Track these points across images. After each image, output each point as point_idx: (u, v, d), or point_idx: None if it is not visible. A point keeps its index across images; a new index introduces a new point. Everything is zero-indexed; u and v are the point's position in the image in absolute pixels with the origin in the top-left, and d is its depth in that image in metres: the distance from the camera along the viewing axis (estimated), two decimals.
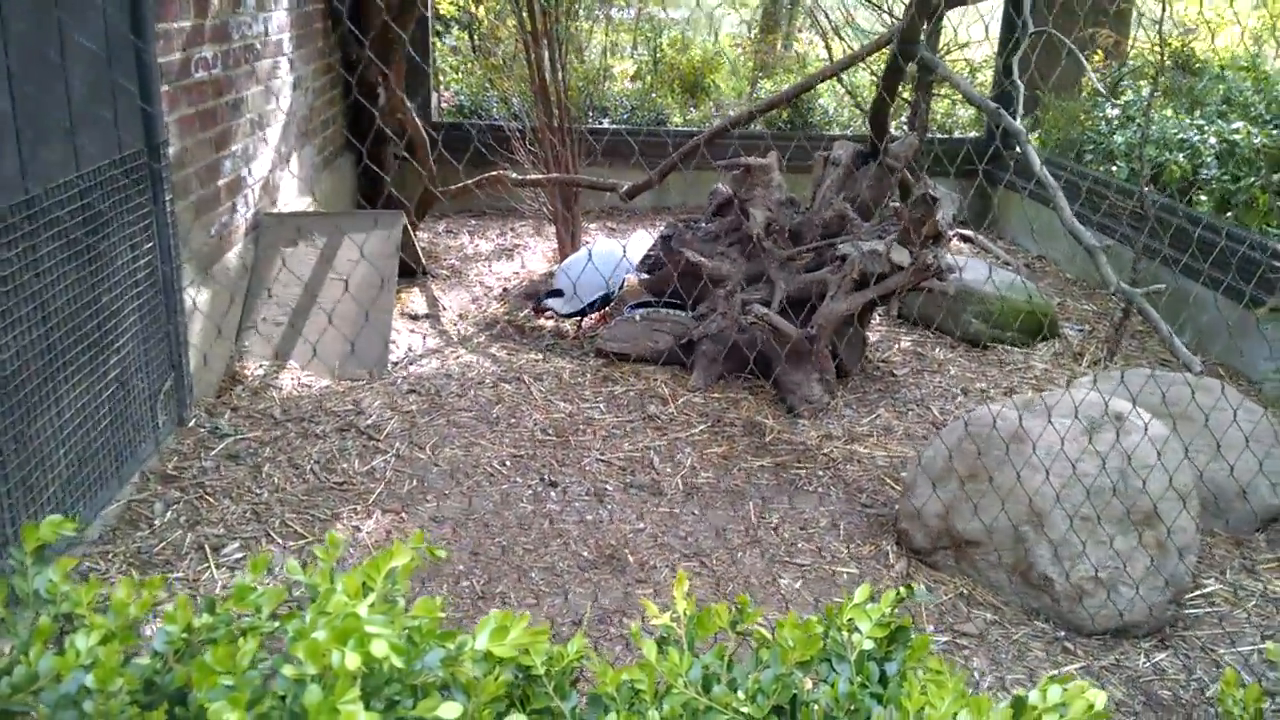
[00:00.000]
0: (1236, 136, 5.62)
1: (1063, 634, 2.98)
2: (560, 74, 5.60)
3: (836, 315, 4.24)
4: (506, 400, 4.21)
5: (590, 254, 5.07)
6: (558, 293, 5.00)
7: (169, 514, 3.20)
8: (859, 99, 7.62)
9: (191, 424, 3.70)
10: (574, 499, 3.52)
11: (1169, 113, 6.40)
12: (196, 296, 3.82)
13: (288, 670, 1.05)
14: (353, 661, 0.99)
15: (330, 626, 1.02)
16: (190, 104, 3.76)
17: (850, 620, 1.36)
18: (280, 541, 3.13)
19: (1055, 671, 2.80)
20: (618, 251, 5.17)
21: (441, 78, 8.07)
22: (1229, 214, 5.42)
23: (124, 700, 1.14)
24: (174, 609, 1.25)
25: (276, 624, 1.28)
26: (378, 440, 3.78)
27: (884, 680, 1.34)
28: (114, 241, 3.13)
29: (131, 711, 1.13)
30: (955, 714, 1.20)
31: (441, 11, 8.43)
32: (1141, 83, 7.22)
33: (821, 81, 5.30)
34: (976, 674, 2.78)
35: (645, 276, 4.94)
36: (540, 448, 3.83)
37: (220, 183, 4.10)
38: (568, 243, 5.97)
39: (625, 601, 2.96)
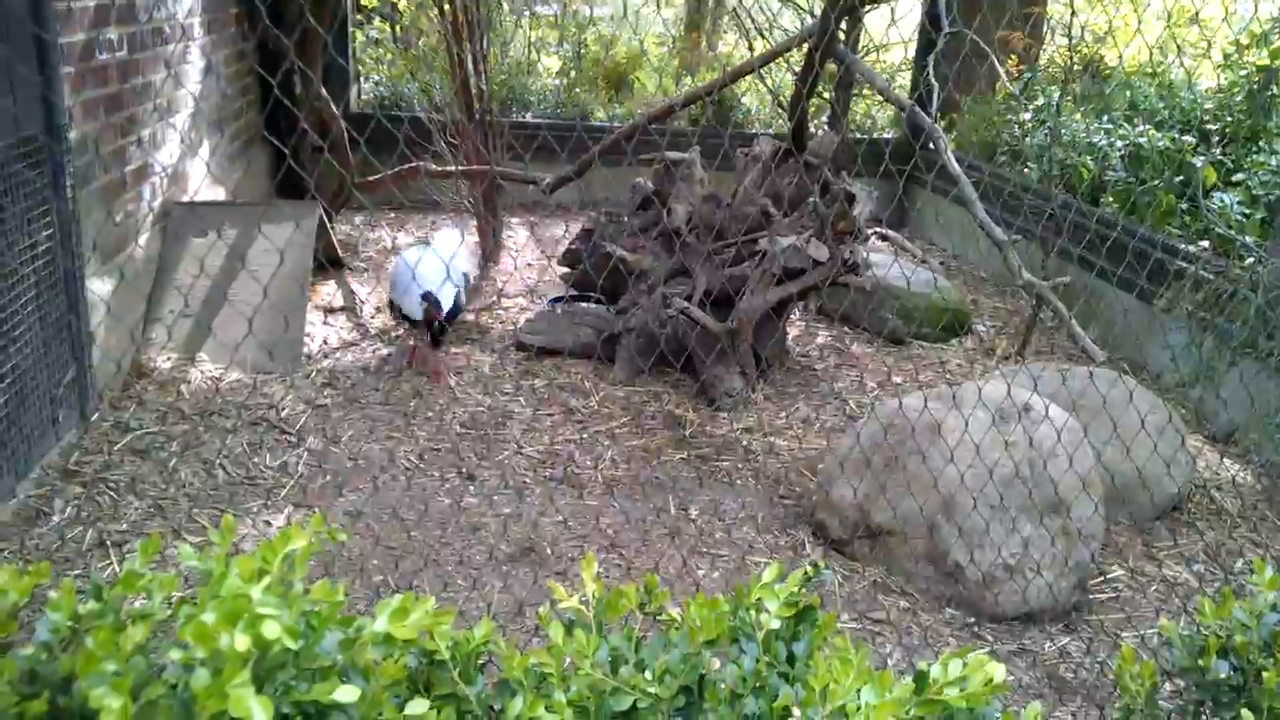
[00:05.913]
0: (1142, 140, 5.80)
1: (973, 620, 3.04)
2: (482, 67, 5.55)
3: (756, 309, 4.27)
4: (424, 394, 4.15)
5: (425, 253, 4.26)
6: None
7: (69, 510, 3.09)
8: (781, 98, 7.69)
9: (94, 418, 3.58)
10: (492, 493, 3.48)
11: (1079, 117, 6.58)
12: (100, 287, 3.69)
13: (175, 654, 1.01)
14: (242, 643, 0.96)
15: (219, 609, 0.98)
16: (94, 87, 3.64)
17: (758, 600, 1.36)
18: (187, 538, 3.03)
19: None
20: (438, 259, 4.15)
21: (361, 69, 7.94)
22: (1135, 214, 5.59)
23: (3, 690, 1.09)
24: (58, 596, 1.19)
25: (170, 611, 1.23)
26: (290, 434, 3.70)
27: (791, 659, 1.35)
28: (8, 230, 3.01)
29: (10, 701, 1.08)
30: (859, 689, 1.20)
31: (363, 3, 8.29)
32: (1052, 87, 7.41)
33: (741, 76, 5.34)
34: (889, 660, 2.82)
35: (565, 270, 4.92)
36: (458, 441, 3.79)
37: (126, 169, 3.96)
38: (489, 236, 5.92)
39: (542, 594, 2.94)
